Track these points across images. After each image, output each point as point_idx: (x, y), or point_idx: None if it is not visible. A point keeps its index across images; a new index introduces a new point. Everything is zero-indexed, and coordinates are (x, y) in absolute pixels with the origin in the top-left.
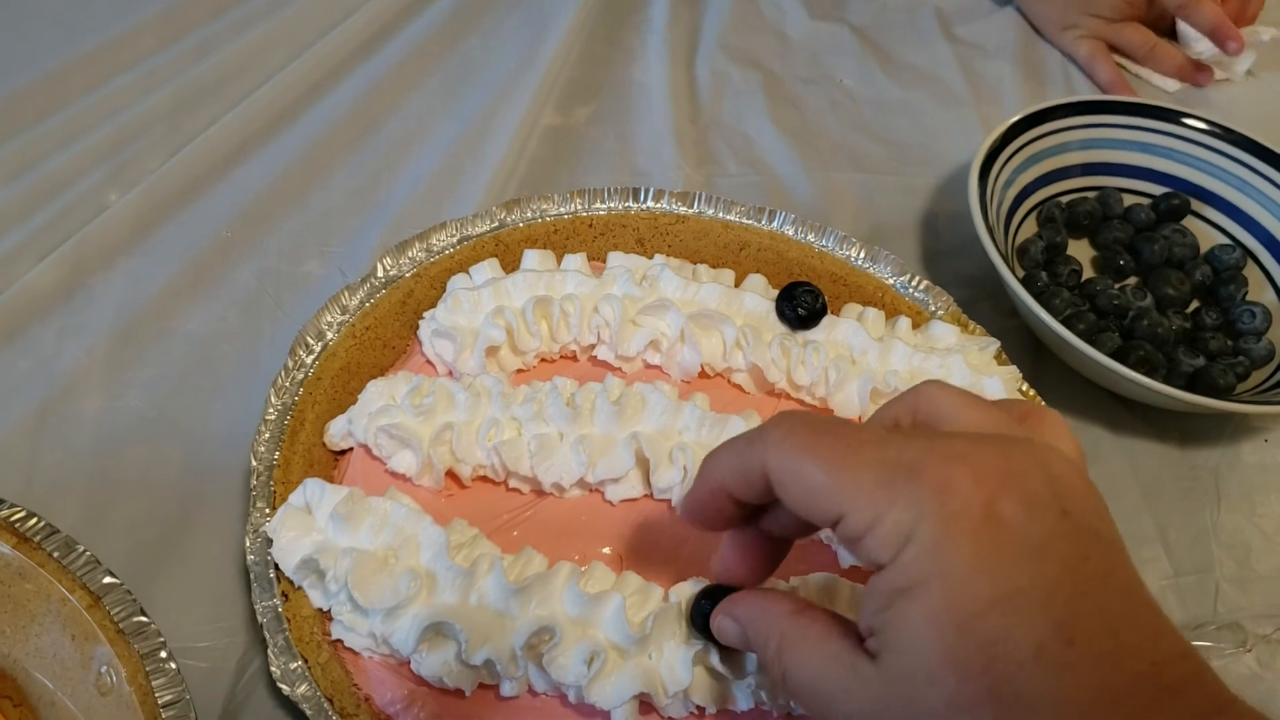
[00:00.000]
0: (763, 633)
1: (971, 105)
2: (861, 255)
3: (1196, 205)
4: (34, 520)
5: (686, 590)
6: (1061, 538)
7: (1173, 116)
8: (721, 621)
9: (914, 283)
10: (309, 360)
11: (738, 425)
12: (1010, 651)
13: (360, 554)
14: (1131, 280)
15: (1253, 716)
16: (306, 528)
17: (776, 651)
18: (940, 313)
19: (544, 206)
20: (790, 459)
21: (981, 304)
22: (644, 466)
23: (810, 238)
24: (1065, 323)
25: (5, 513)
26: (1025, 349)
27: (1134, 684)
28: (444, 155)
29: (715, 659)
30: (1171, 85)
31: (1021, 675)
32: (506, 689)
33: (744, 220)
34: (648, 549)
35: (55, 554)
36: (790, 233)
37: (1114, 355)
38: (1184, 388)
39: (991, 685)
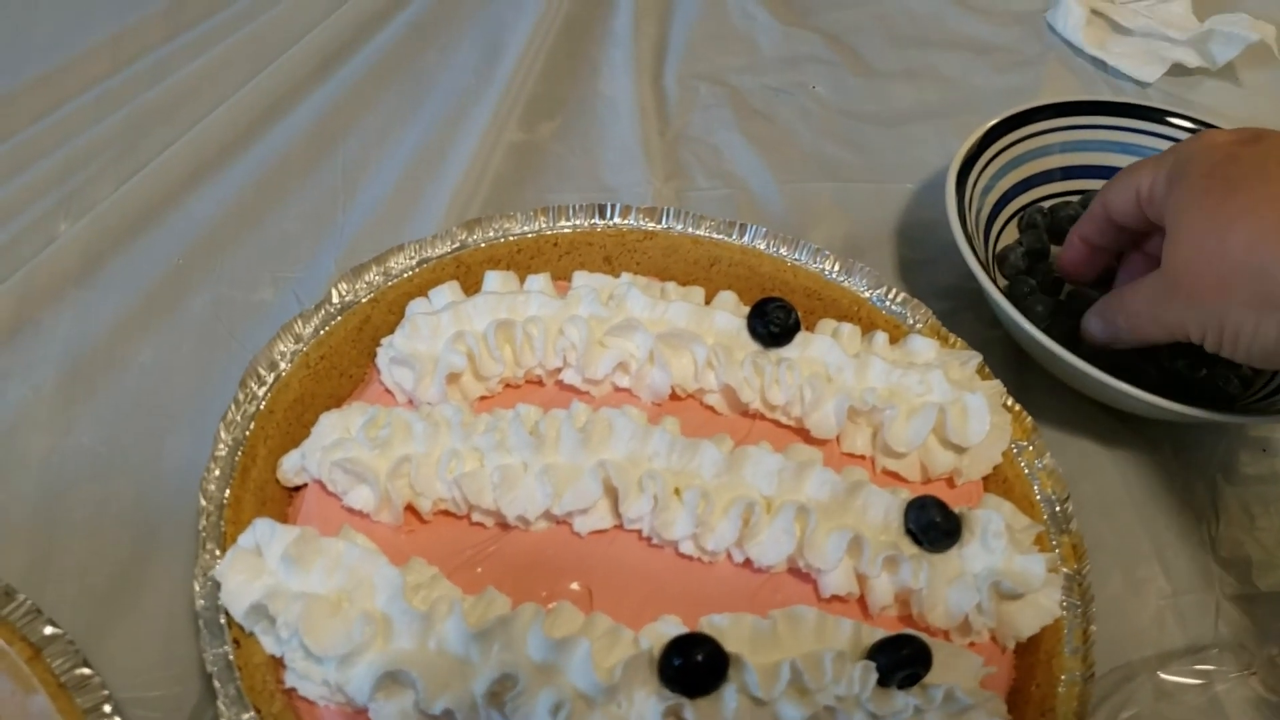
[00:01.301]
0: (1116, 298)
1: (948, 111)
2: (836, 268)
3: None
4: None
5: (658, 632)
6: None
7: (1157, 116)
8: (1087, 323)
9: (891, 295)
10: (261, 392)
11: (709, 449)
12: (1239, 173)
13: (311, 598)
14: None
15: None
16: (256, 571)
17: (1122, 298)
18: (919, 326)
19: (507, 225)
20: (1110, 186)
21: (962, 315)
22: (613, 495)
23: (783, 251)
24: (1048, 332)
25: None
26: (1008, 361)
27: None
28: (402, 175)
29: (689, 714)
30: (1149, 76)
31: None
32: None
33: (714, 235)
34: (619, 582)
35: None
36: (762, 247)
37: (1099, 365)
38: (1177, 397)
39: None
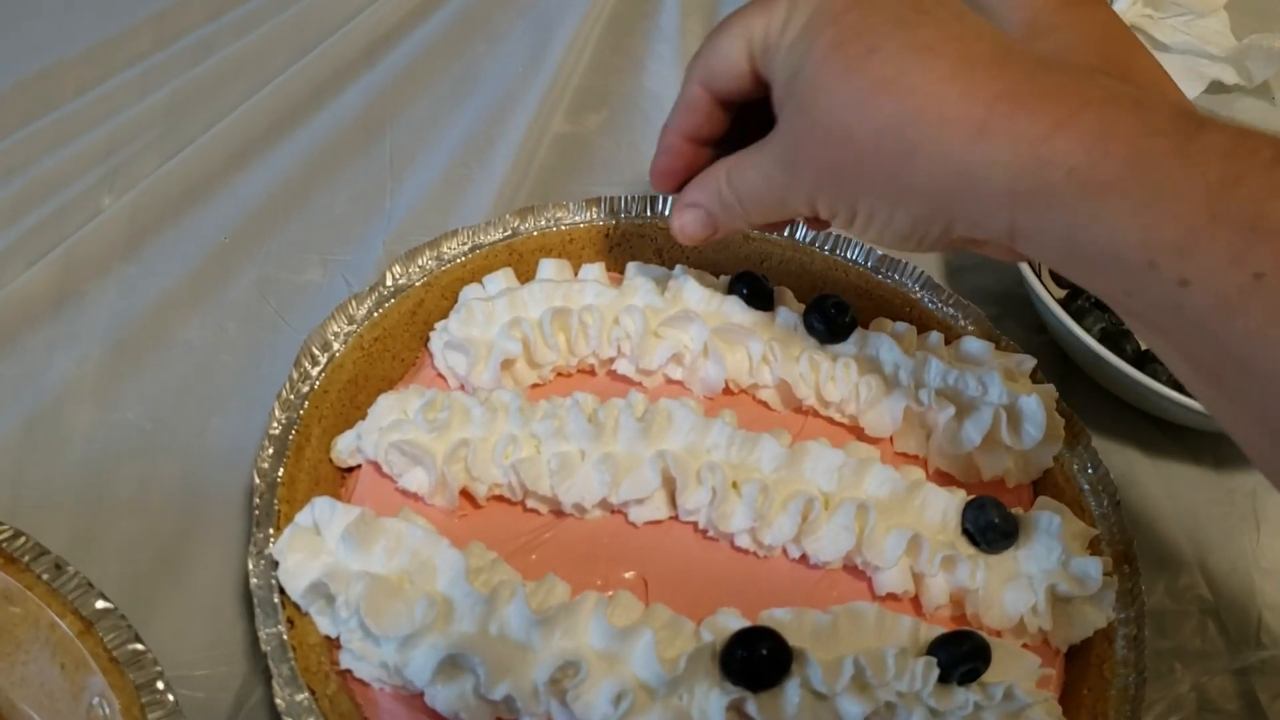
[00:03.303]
0: (712, 183)
1: None
2: (886, 268)
3: None
4: (21, 539)
5: (719, 625)
6: None
7: None
8: (681, 216)
9: (942, 296)
10: (314, 372)
11: (769, 443)
12: (874, 25)
13: (373, 578)
14: None
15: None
16: (315, 550)
17: (727, 181)
18: (970, 328)
19: (559, 215)
20: (704, 55)
21: (1005, 321)
22: (670, 486)
23: (834, 250)
24: (1099, 338)
25: None
26: (1053, 368)
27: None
28: (450, 162)
29: (751, 707)
30: (1188, 93)
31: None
32: None
33: (766, 232)
34: (673, 574)
35: (44, 576)
36: (814, 244)
37: (1147, 371)
38: None
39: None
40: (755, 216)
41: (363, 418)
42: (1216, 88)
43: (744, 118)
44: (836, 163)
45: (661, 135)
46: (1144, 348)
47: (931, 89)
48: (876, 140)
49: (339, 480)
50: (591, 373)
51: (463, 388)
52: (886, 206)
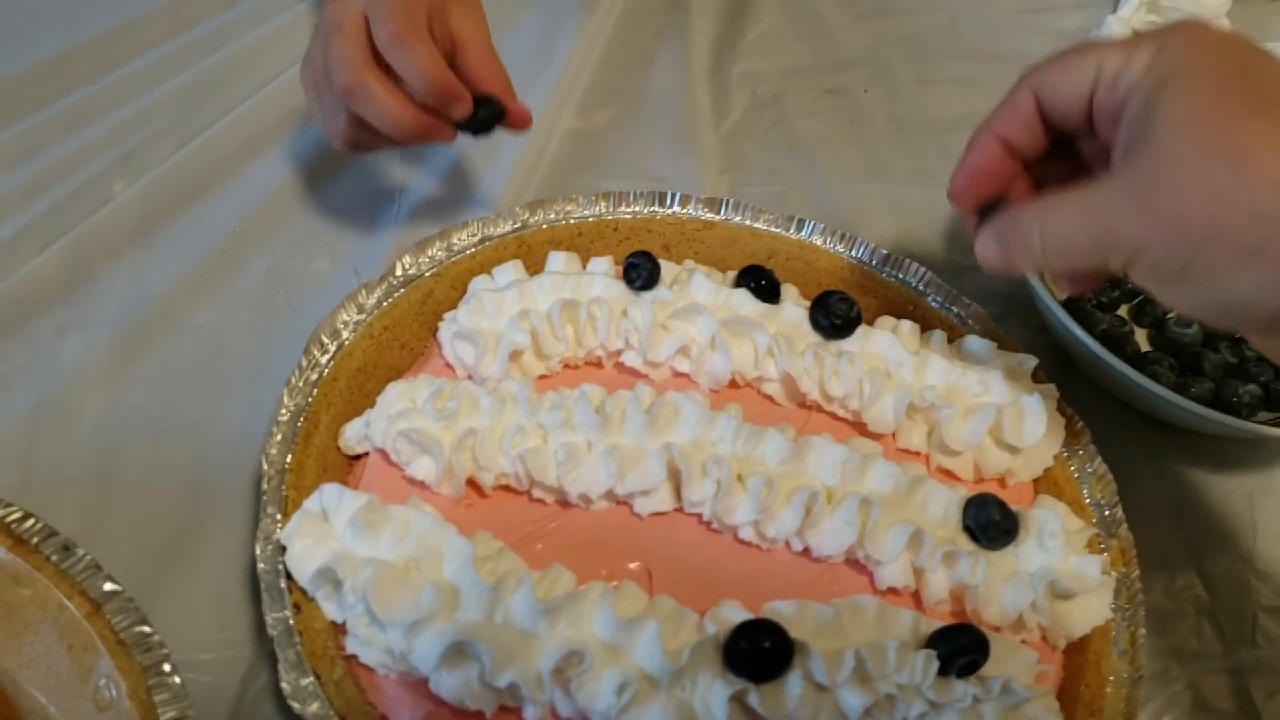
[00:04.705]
0: (1021, 214)
1: None
2: (891, 267)
3: None
4: (31, 521)
5: (723, 617)
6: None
7: None
8: (985, 241)
9: (945, 296)
10: (324, 360)
11: (774, 437)
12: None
13: (381, 565)
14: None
15: None
16: (323, 536)
17: (1035, 215)
18: (974, 327)
19: (568, 208)
20: (1047, 69)
21: (1008, 321)
22: (675, 479)
23: (840, 248)
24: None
25: (0, 513)
26: (1055, 368)
27: None
28: (460, 155)
29: (753, 699)
30: None
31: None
32: (529, 713)
33: (773, 228)
34: (678, 565)
35: (53, 558)
36: (820, 242)
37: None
38: (1220, 409)
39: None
40: (1053, 259)
41: (371, 406)
42: None
43: (1044, 168)
44: (1189, 212)
45: (974, 137)
46: (1144, 349)
47: None
48: (1246, 197)
49: (347, 467)
50: (599, 365)
51: (470, 378)
52: (1234, 268)
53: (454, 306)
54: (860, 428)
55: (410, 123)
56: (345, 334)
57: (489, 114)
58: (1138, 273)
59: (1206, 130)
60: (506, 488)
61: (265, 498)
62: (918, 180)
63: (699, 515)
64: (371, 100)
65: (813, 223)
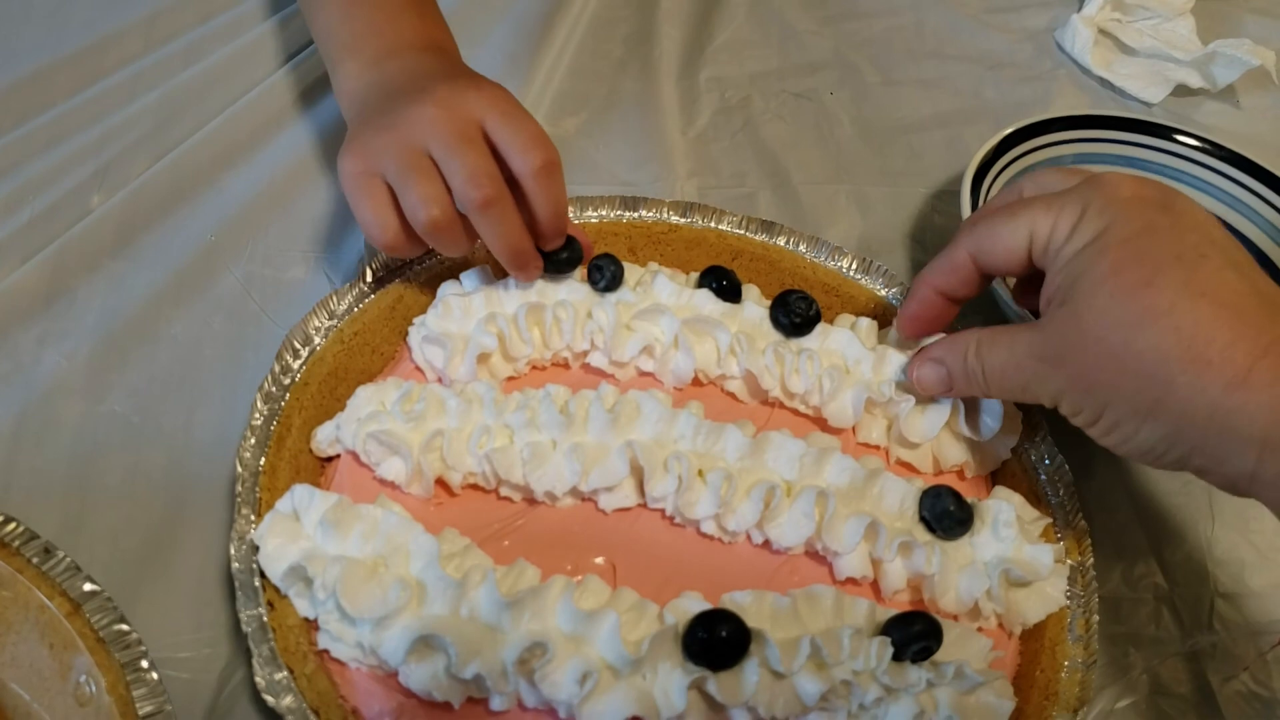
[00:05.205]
0: (959, 348)
1: (960, 121)
2: (854, 267)
3: None
4: (12, 525)
5: (682, 608)
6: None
7: (1164, 132)
8: (922, 369)
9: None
10: (296, 365)
11: (734, 433)
12: (1156, 258)
13: (349, 562)
14: None
15: None
16: (294, 535)
17: (975, 352)
18: None
19: None
20: (982, 232)
21: (971, 319)
22: (638, 475)
23: (803, 249)
24: None
25: None
26: None
27: None
28: None
29: (712, 686)
30: (1154, 97)
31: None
32: (496, 704)
33: (737, 230)
34: (641, 559)
35: (34, 560)
36: (783, 243)
37: None
38: None
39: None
40: (994, 390)
41: (342, 409)
42: (1182, 91)
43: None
44: (1093, 371)
45: (916, 283)
46: None
47: (1199, 331)
48: (1137, 364)
49: (319, 469)
50: (565, 366)
51: (440, 381)
52: (1134, 421)
53: (423, 311)
54: (821, 423)
55: (526, 251)
56: (317, 340)
57: (573, 256)
58: (1063, 412)
59: (1107, 301)
60: (475, 487)
61: (240, 500)
62: (883, 181)
63: (662, 510)
64: (504, 220)
65: (776, 224)
